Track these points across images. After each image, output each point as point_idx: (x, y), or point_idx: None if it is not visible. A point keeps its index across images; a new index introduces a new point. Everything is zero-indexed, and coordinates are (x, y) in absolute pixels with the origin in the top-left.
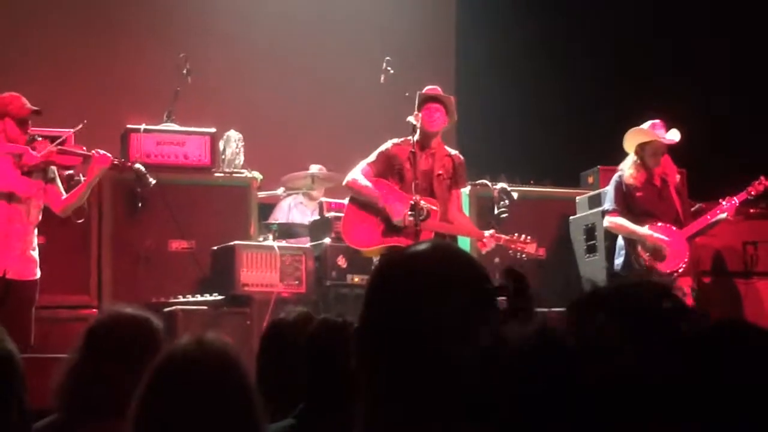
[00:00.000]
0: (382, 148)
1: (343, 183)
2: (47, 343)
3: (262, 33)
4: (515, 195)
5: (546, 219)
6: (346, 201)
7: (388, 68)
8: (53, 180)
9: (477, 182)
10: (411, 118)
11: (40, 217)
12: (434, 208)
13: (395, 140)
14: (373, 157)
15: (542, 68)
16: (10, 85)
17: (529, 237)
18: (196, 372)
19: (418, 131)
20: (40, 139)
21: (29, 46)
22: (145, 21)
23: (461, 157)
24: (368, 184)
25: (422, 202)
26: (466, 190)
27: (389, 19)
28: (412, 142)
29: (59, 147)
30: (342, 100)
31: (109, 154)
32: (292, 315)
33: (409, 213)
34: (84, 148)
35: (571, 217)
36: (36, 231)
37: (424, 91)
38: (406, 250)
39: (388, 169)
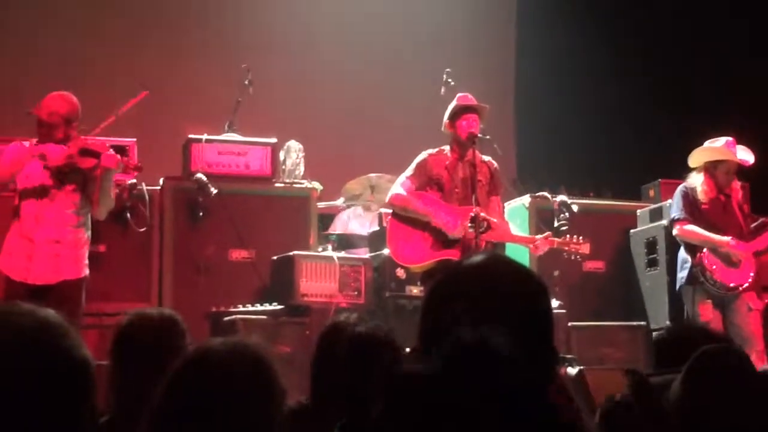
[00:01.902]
0: (419, 159)
1: (386, 200)
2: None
3: (323, 44)
4: (575, 208)
5: (606, 232)
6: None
7: (449, 80)
8: (88, 183)
9: (537, 195)
10: (445, 128)
11: (83, 219)
12: (494, 220)
13: (431, 151)
14: (411, 170)
15: (602, 80)
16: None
17: (581, 237)
18: (220, 367)
19: (456, 140)
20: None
21: (91, 57)
22: (207, 32)
23: (495, 163)
24: (413, 199)
25: (482, 214)
26: (525, 203)
27: (449, 31)
28: (446, 151)
29: (81, 147)
30: (402, 112)
31: (117, 156)
32: (351, 318)
33: (470, 225)
34: (110, 149)
35: (631, 231)
36: (83, 232)
37: (458, 101)
38: (461, 264)
39: (426, 180)
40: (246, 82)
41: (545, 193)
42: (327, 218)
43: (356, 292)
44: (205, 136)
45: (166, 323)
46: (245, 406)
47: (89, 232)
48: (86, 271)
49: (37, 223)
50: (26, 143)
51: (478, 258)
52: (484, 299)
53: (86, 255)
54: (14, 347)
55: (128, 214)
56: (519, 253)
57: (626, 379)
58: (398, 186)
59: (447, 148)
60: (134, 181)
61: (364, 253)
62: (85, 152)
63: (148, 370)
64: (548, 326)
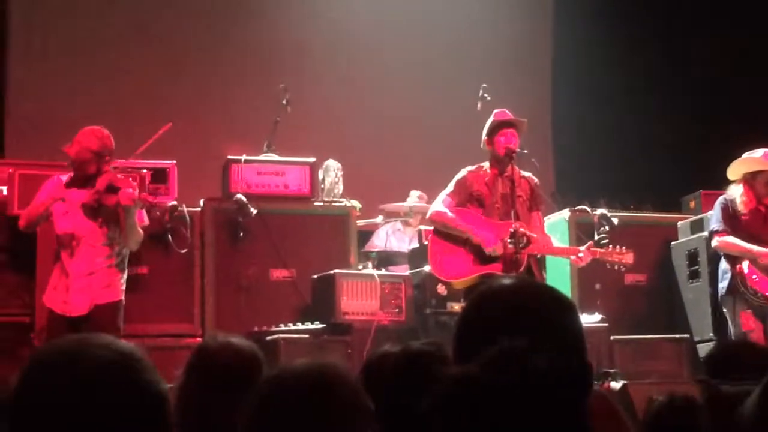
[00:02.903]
0: (458, 177)
1: (427, 217)
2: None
3: (360, 63)
4: (615, 221)
5: (647, 245)
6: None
7: (485, 95)
8: (117, 217)
9: (576, 208)
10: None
11: (116, 250)
12: (534, 235)
13: (470, 168)
14: (451, 187)
15: (641, 93)
16: (112, 122)
17: (624, 247)
18: (304, 390)
19: (496, 157)
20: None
21: (129, 82)
22: (243, 53)
23: (535, 179)
24: (453, 216)
25: (522, 229)
26: (565, 216)
27: (485, 47)
28: (485, 167)
29: (107, 183)
30: (439, 128)
31: (134, 193)
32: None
33: (510, 240)
34: (131, 186)
35: (672, 243)
36: (117, 263)
37: (495, 117)
38: (492, 285)
39: (467, 197)
40: (284, 102)
41: (585, 207)
42: (365, 235)
43: (397, 310)
44: (244, 157)
45: (248, 353)
46: (338, 428)
47: (124, 263)
48: (121, 296)
49: (71, 258)
50: (64, 177)
51: (508, 280)
52: (515, 318)
53: (121, 282)
54: (95, 380)
55: (169, 236)
56: (560, 267)
57: (698, 388)
58: (438, 203)
59: (486, 164)
60: (175, 203)
61: (404, 270)
62: (110, 189)
63: (222, 395)
64: (581, 343)
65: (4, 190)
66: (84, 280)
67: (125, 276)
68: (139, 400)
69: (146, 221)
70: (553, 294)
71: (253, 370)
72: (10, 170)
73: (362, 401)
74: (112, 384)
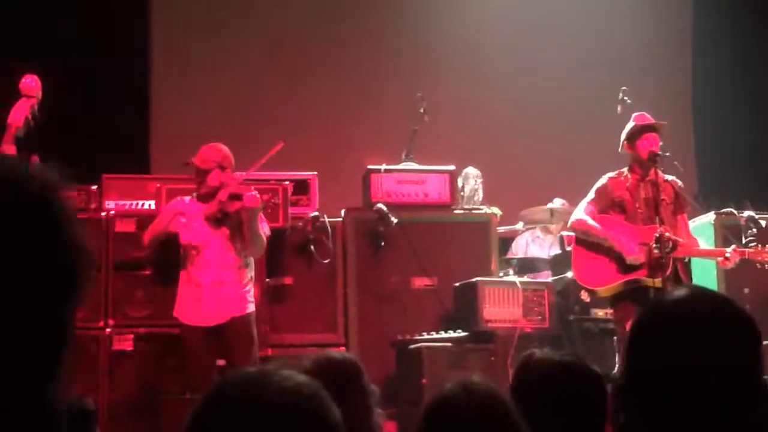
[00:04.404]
0: (599, 184)
1: (568, 225)
2: None
3: (496, 68)
4: (763, 223)
5: None
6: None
7: (625, 98)
8: (241, 225)
9: (722, 211)
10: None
11: (244, 260)
12: (680, 240)
13: (610, 174)
14: (592, 195)
15: None
16: (252, 135)
17: None
18: (464, 415)
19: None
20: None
21: (266, 95)
22: (379, 63)
23: (679, 182)
24: (594, 224)
25: (667, 234)
26: (710, 219)
27: (624, 49)
28: (626, 173)
29: (230, 193)
30: (578, 133)
31: (258, 196)
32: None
33: (655, 246)
34: (253, 190)
35: None
36: (246, 272)
37: (636, 121)
38: (666, 298)
39: (608, 203)
40: (421, 111)
41: (731, 209)
42: (506, 242)
43: (540, 317)
44: (383, 167)
45: (349, 367)
46: None
47: (252, 272)
48: (252, 308)
49: (201, 269)
50: (187, 198)
51: (681, 292)
52: (690, 333)
53: (251, 293)
54: (279, 410)
55: (312, 247)
56: (706, 270)
57: None
58: (580, 211)
59: (626, 169)
60: (317, 213)
61: (545, 277)
62: (232, 197)
63: None
64: (760, 358)
65: (152, 204)
66: (215, 291)
67: (252, 285)
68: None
69: (268, 231)
70: (725, 302)
71: (352, 382)
72: (158, 185)
73: (514, 421)
74: (296, 415)
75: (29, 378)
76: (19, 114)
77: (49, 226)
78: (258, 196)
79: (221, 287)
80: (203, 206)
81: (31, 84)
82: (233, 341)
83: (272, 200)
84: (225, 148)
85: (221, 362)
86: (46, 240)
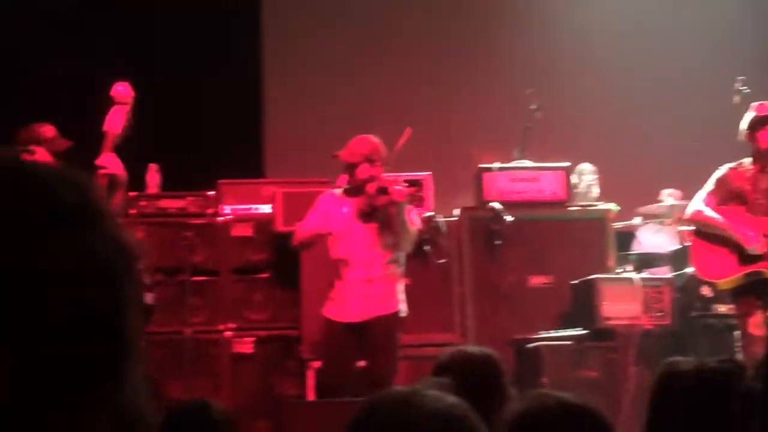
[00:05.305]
0: (718, 174)
1: (685, 216)
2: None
3: (607, 62)
4: None
5: None
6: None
7: (742, 88)
8: (389, 219)
9: None
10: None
11: (393, 255)
12: None
13: (730, 165)
14: (711, 185)
15: None
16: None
17: None
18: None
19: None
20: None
21: (378, 94)
22: (490, 60)
23: None
24: (713, 214)
25: None
26: None
27: (738, 38)
28: (746, 164)
29: (378, 187)
30: (695, 125)
31: (403, 189)
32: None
33: None
34: (399, 183)
35: None
36: (395, 268)
37: (757, 111)
38: None
39: (728, 194)
40: (533, 107)
41: None
42: (623, 238)
43: (661, 313)
44: (497, 165)
45: (486, 362)
46: None
47: (402, 268)
48: (401, 306)
49: (348, 265)
50: (337, 191)
51: None
52: None
53: (400, 291)
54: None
55: (428, 247)
56: None
57: None
58: (698, 201)
59: (746, 160)
60: (432, 213)
61: (664, 273)
62: (380, 191)
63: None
64: None
65: (268, 208)
66: (363, 287)
67: (402, 284)
68: None
69: (419, 223)
70: None
71: (491, 377)
72: (274, 189)
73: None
74: None
75: (84, 382)
76: (116, 121)
77: (84, 229)
78: (403, 189)
79: (370, 284)
80: (352, 200)
81: (123, 91)
82: (375, 342)
83: (418, 193)
84: (374, 139)
85: (361, 363)
86: (82, 243)
